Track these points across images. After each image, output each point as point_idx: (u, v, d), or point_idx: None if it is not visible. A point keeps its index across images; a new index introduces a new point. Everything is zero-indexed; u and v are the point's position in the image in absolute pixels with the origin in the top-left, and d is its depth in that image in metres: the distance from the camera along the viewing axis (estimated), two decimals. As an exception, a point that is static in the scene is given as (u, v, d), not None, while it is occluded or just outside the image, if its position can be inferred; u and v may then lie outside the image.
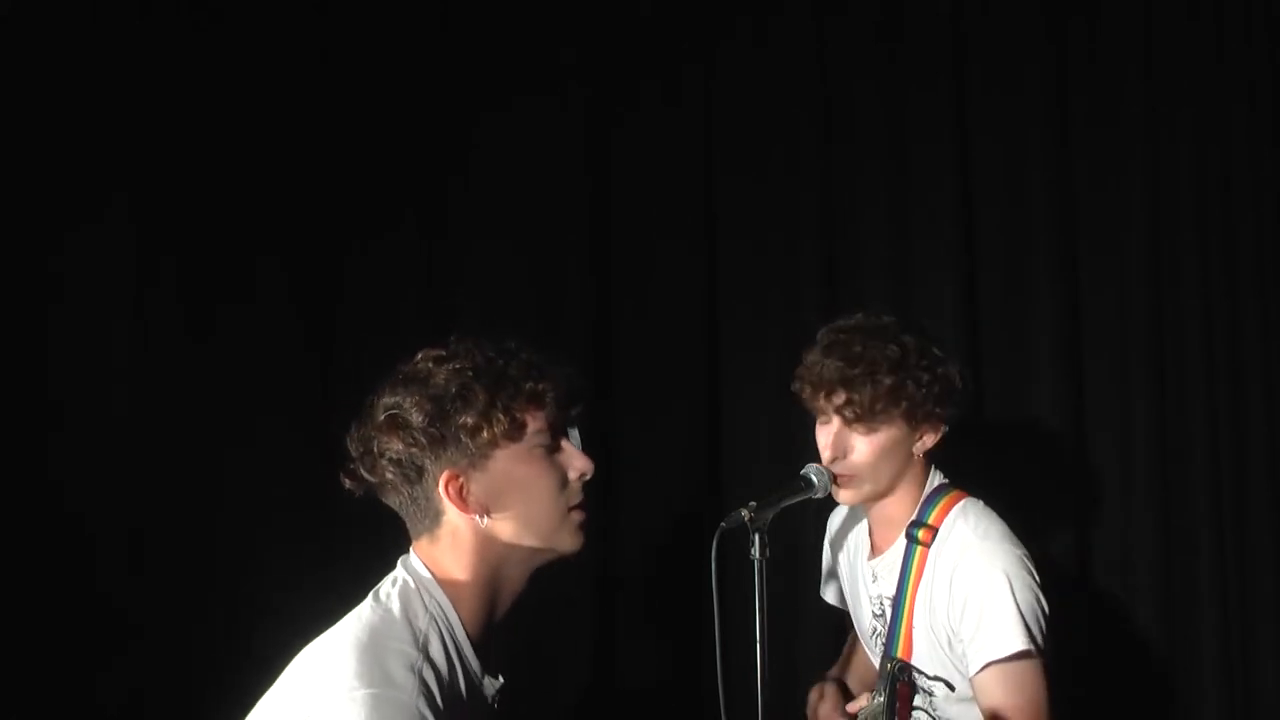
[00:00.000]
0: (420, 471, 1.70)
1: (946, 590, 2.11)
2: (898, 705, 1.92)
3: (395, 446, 1.69)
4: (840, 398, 2.13)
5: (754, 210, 3.15)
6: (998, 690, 2.05)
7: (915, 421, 2.15)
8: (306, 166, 2.98)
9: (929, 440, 2.18)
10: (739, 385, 3.16)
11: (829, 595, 2.53)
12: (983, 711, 2.07)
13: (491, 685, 1.74)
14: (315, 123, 3.00)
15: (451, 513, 1.71)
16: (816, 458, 2.21)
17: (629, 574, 3.15)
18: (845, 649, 2.53)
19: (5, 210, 2.62)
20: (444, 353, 1.74)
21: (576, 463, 1.76)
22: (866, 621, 2.32)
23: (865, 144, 3.06)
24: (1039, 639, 2.05)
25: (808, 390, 2.19)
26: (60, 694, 2.58)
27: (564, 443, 1.77)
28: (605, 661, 3.14)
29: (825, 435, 2.19)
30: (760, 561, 1.96)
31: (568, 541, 1.76)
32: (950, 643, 2.12)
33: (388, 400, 1.72)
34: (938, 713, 2.16)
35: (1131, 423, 2.85)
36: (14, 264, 2.64)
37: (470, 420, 1.68)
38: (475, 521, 1.70)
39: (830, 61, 3.10)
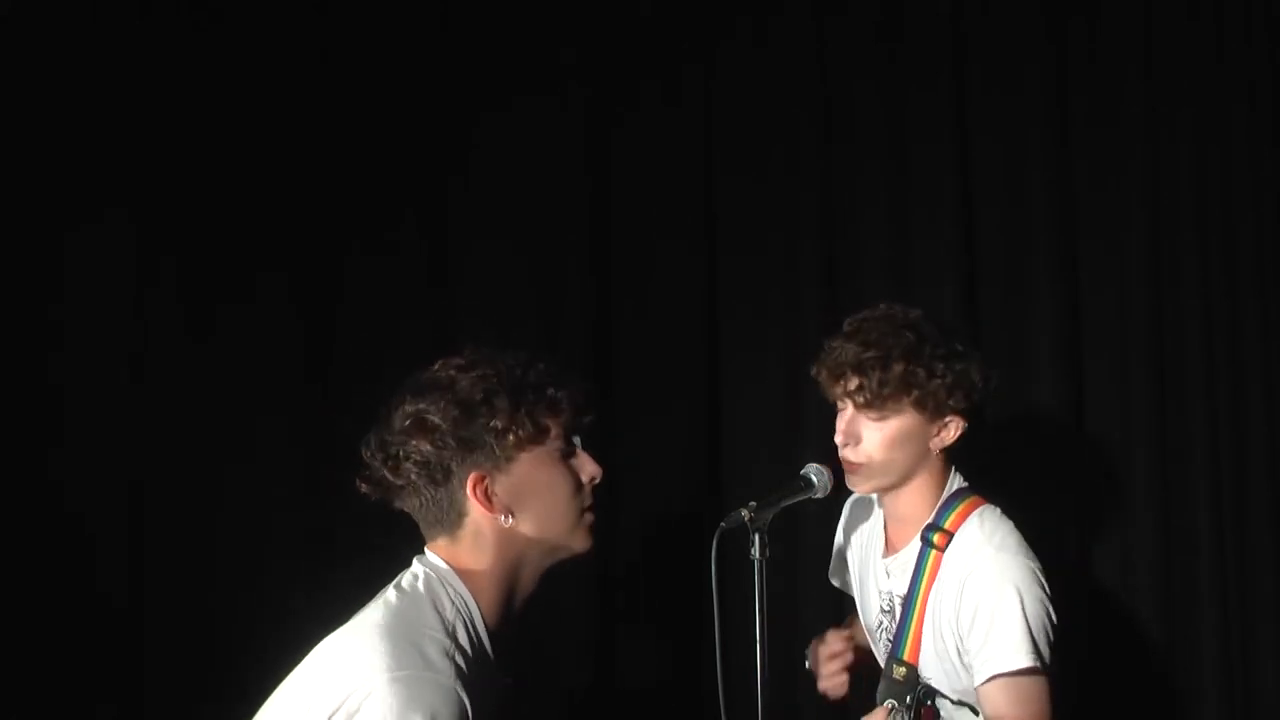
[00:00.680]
0: (447, 473, 1.76)
1: (957, 597, 2.10)
2: None
3: (424, 449, 1.75)
4: (852, 382, 2.13)
5: (754, 210, 3.15)
6: (1002, 703, 2.04)
7: (929, 413, 2.12)
8: (307, 166, 2.98)
9: (947, 436, 2.15)
10: (739, 385, 3.16)
11: (836, 580, 2.51)
12: None
13: (505, 682, 1.78)
14: (315, 123, 3.00)
15: (475, 513, 1.77)
16: (817, 457, 2.20)
17: (629, 574, 3.15)
18: (847, 621, 2.52)
19: (6, 210, 2.62)
20: (464, 361, 1.80)
21: (589, 467, 1.84)
22: (873, 615, 2.31)
23: (865, 144, 3.06)
24: (1046, 655, 2.04)
25: (824, 375, 2.18)
26: (60, 694, 2.59)
27: (577, 449, 1.85)
28: (605, 661, 3.14)
29: (840, 421, 2.18)
30: (760, 561, 1.96)
31: (580, 541, 1.84)
32: (958, 649, 2.11)
33: (410, 407, 1.77)
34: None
35: (1131, 423, 2.85)
36: (14, 264, 2.64)
37: (499, 424, 1.75)
38: (498, 521, 1.77)
39: (830, 61, 3.10)
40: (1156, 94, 2.85)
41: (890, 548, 2.26)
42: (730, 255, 3.17)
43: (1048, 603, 2.07)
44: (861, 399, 2.13)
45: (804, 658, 2.45)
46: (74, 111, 2.70)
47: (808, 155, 3.11)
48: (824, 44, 3.10)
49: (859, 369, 2.12)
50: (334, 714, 1.60)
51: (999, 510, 2.19)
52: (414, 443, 1.75)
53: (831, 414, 3.01)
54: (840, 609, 2.78)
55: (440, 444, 1.74)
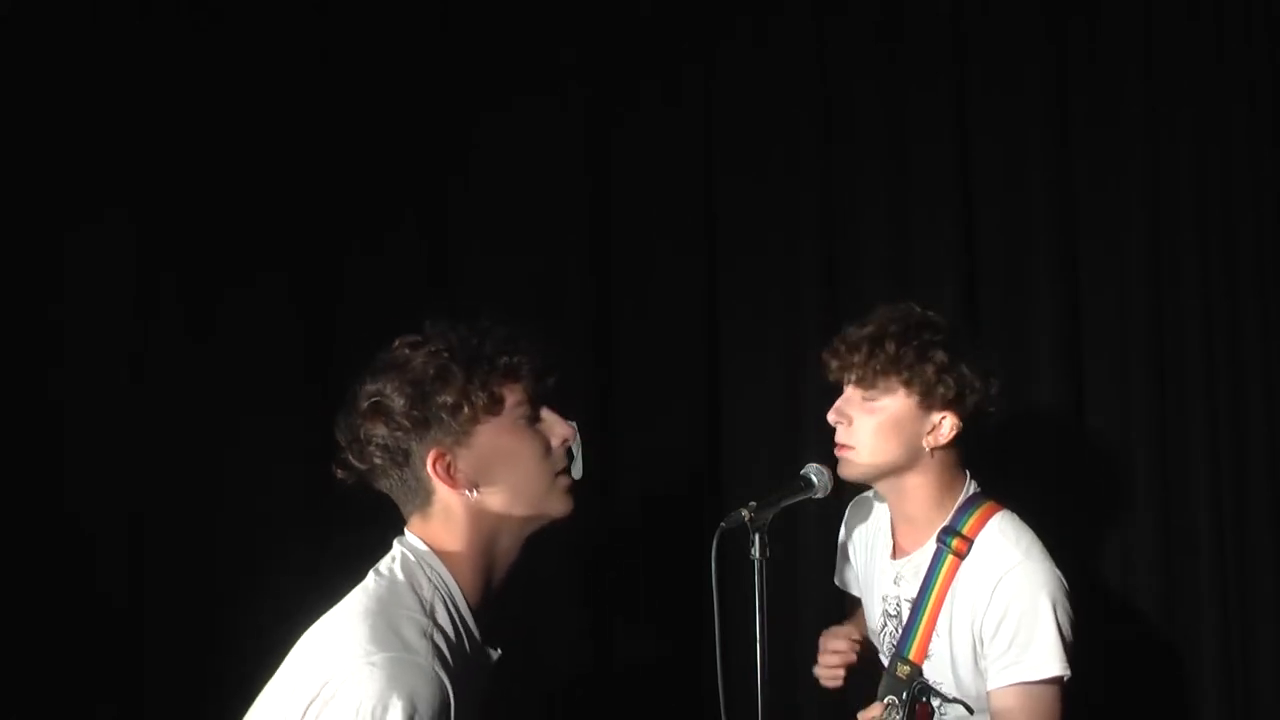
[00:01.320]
0: (407, 454, 1.75)
1: (985, 601, 2.08)
2: None
3: (380, 432, 1.75)
4: (848, 357, 2.15)
5: (754, 210, 3.15)
6: (1018, 710, 2.04)
7: (919, 399, 2.12)
8: (307, 167, 2.98)
9: (940, 434, 2.14)
10: (739, 385, 3.16)
11: (840, 581, 2.50)
12: None
13: (491, 656, 1.78)
14: (315, 123, 3.00)
15: (441, 490, 1.76)
16: (817, 457, 2.20)
17: (629, 574, 3.15)
18: (849, 610, 2.52)
19: (6, 210, 2.62)
20: (419, 338, 1.80)
21: (558, 429, 1.82)
22: (877, 618, 2.30)
23: (865, 144, 3.06)
24: (1068, 669, 2.05)
25: (825, 360, 2.21)
26: (60, 694, 2.58)
27: (544, 411, 1.82)
28: (605, 661, 3.14)
29: (838, 401, 2.20)
30: (760, 561, 1.96)
31: (557, 506, 1.82)
32: (974, 653, 2.10)
33: (369, 388, 1.77)
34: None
35: (1131, 423, 2.85)
36: (14, 264, 2.64)
37: (450, 399, 1.74)
38: (465, 496, 1.76)
39: (830, 61, 3.10)
40: (1156, 94, 2.85)
41: (900, 550, 2.26)
42: (730, 255, 3.18)
43: (1073, 614, 2.07)
44: (855, 374, 2.14)
45: (815, 647, 2.45)
46: (74, 112, 2.70)
47: (808, 155, 3.11)
48: (824, 44, 3.10)
49: (855, 344, 2.15)
50: (313, 701, 1.59)
51: (1016, 516, 2.19)
52: (371, 426, 1.75)
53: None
54: (840, 610, 2.78)
55: (395, 425, 1.74)
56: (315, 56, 3.00)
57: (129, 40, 2.78)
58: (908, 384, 2.12)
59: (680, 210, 3.18)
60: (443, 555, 1.76)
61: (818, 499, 2.16)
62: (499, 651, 1.79)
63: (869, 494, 2.37)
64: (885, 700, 2.14)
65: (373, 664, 1.59)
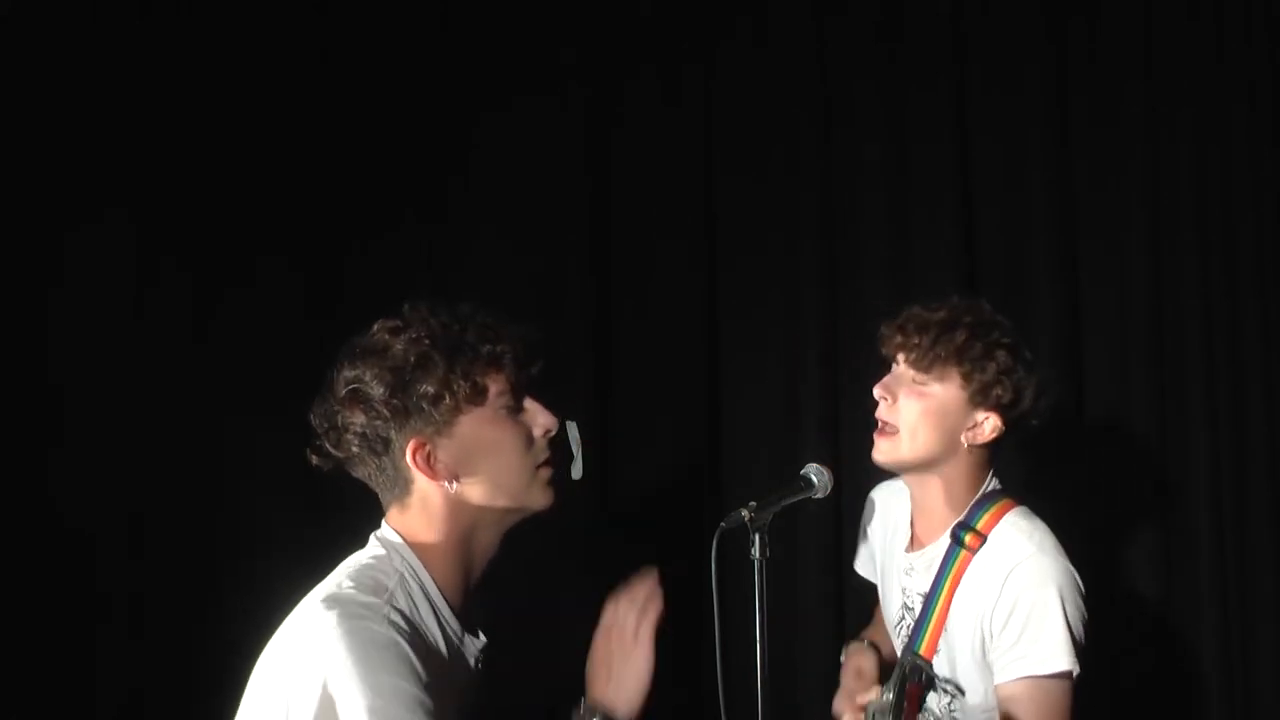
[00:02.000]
0: (386, 443, 1.72)
1: (995, 594, 2.07)
2: (905, 705, 1.91)
3: (359, 420, 1.71)
4: (912, 337, 2.15)
5: (754, 210, 3.15)
6: (1026, 704, 2.01)
7: (971, 395, 2.11)
8: (306, 167, 2.98)
9: (980, 433, 2.13)
10: (739, 385, 3.16)
11: (864, 570, 2.49)
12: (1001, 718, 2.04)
13: (473, 644, 1.77)
14: (315, 124, 2.99)
15: (420, 480, 1.73)
16: (817, 457, 2.20)
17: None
18: (874, 612, 2.51)
19: (6, 210, 2.62)
20: (399, 323, 1.75)
21: (541, 419, 1.78)
22: (894, 609, 2.29)
23: (865, 144, 3.06)
24: (1077, 664, 2.03)
25: (887, 328, 2.20)
26: (60, 694, 2.58)
27: (527, 401, 1.79)
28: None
29: (886, 378, 2.19)
30: (760, 561, 1.96)
31: (539, 498, 1.79)
32: (982, 647, 2.09)
33: (348, 374, 1.73)
34: (956, 714, 2.16)
35: (1131, 423, 2.85)
36: (14, 264, 2.64)
37: (431, 389, 1.70)
38: (444, 487, 1.73)
39: (830, 61, 3.10)
40: (1156, 94, 2.85)
41: (916, 543, 2.25)
42: (730, 255, 3.17)
43: (1085, 610, 2.06)
44: (914, 354, 2.13)
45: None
46: (74, 111, 2.70)
47: (808, 155, 3.11)
48: (824, 44, 3.10)
49: (923, 326, 2.14)
50: (304, 693, 1.58)
51: (1031, 512, 2.17)
52: (349, 414, 1.71)
53: (830, 415, 3.04)
54: (840, 610, 2.79)
55: (375, 414, 1.70)
56: (315, 56, 3.00)
57: (129, 40, 2.78)
58: (966, 376, 2.11)
59: (680, 210, 3.18)
60: (419, 547, 1.73)
61: (818, 499, 2.16)
62: (483, 639, 1.77)
63: (897, 481, 2.34)
64: (879, 687, 2.11)
65: (341, 627, 1.58)
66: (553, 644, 3.04)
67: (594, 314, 3.19)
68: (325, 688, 1.56)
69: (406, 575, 1.70)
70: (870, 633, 2.43)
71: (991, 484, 2.20)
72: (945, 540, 2.16)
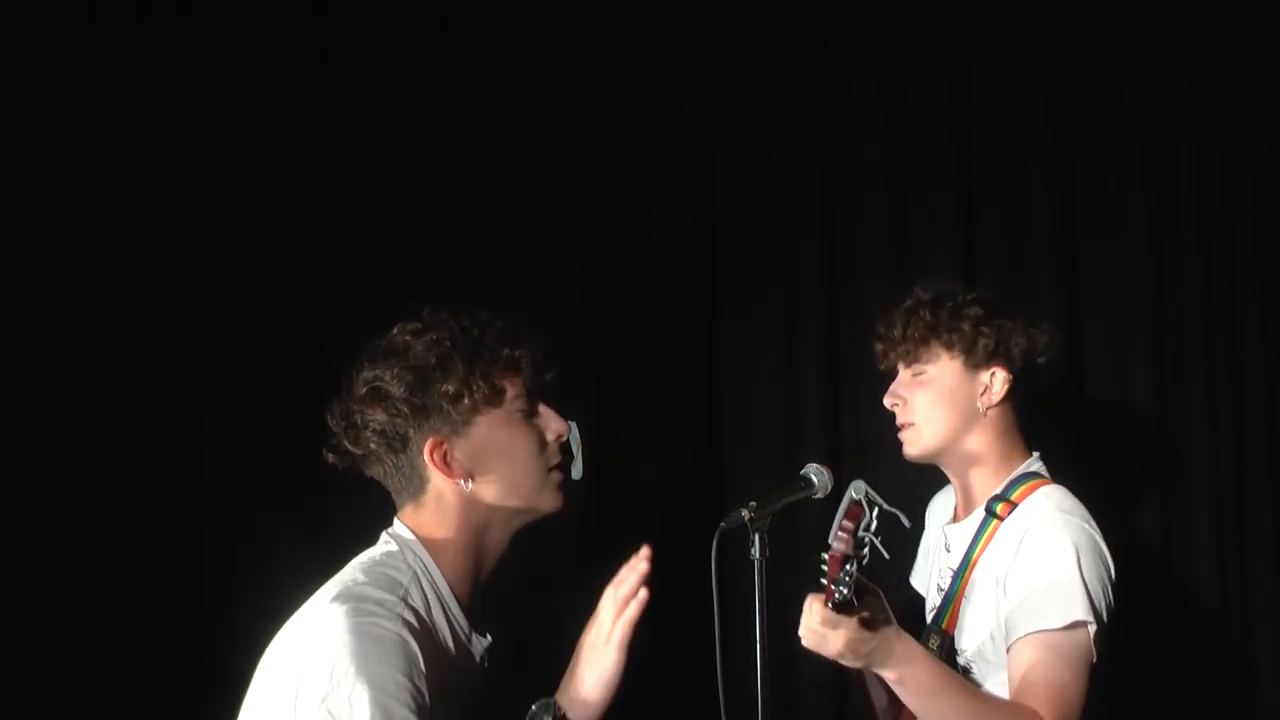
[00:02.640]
0: (404, 441, 1.75)
1: (1013, 552, 2.07)
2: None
3: (379, 418, 1.75)
4: (889, 339, 2.20)
5: (754, 210, 3.15)
6: (1032, 661, 1.96)
7: (964, 360, 2.15)
8: (307, 168, 2.98)
9: (993, 392, 2.15)
10: (739, 385, 3.16)
11: (914, 579, 2.48)
12: (1011, 680, 2.00)
13: (480, 643, 1.80)
14: (315, 124, 2.99)
15: (436, 479, 1.77)
16: (817, 457, 2.20)
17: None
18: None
19: (5, 209, 2.62)
20: (420, 325, 1.80)
21: (553, 424, 1.83)
22: (931, 597, 2.28)
23: (865, 144, 3.06)
24: (1101, 612, 2.00)
25: (875, 344, 2.25)
26: (60, 694, 2.58)
27: (541, 406, 1.83)
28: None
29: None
30: (760, 561, 1.96)
31: (550, 500, 1.84)
32: (996, 610, 2.07)
33: (368, 374, 1.77)
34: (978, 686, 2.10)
35: (1131, 423, 2.85)
36: (14, 263, 2.64)
37: (451, 388, 1.74)
38: (460, 486, 1.76)
39: (830, 61, 3.10)
40: (1156, 94, 2.85)
41: (955, 518, 2.27)
42: (730, 255, 3.17)
43: (1105, 570, 2.05)
44: (897, 350, 2.18)
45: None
46: (74, 110, 2.70)
47: (808, 155, 3.11)
48: (824, 44, 3.10)
49: (893, 320, 2.20)
50: (300, 689, 1.59)
51: (1069, 493, 2.17)
52: (370, 411, 1.75)
53: (830, 415, 3.04)
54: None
55: (395, 412, 1.74)
56: (315, 56, 3.00)
57: (129, 39, 2.78)
58: (949, 346, 2.15)
59: (680, 210, 3.18)
60: (431, 544, 1.76)
61: (818, 499, 2.16)
62: (489, 639, 1.80)
63: (947, 488, 2.37)
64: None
65: (334, 613, 1.61)
66: (553, 644, 3.06)
67: (594, 314, 3.18)
68: (331, 678, 1.58)
69: (419, 572, 1.73)
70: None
71: (1035, 465, 2.21)
72: (980, 513, 2.18)
